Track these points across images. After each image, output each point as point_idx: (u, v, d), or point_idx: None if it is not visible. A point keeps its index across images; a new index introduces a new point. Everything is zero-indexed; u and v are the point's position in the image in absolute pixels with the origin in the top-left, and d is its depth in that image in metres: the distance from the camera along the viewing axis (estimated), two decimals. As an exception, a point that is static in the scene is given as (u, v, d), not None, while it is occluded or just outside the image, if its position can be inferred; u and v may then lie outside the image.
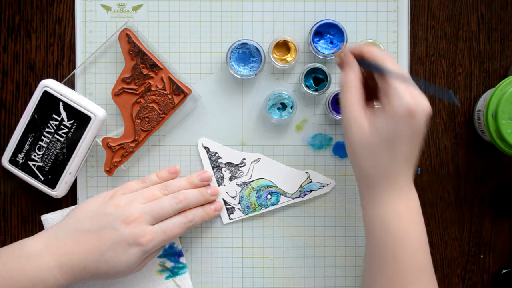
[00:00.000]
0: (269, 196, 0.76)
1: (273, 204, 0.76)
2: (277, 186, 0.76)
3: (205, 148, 0.76)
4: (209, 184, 0.76)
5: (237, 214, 0.77)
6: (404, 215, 0.64)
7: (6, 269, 0.67)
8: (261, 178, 0.77)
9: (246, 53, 0.75)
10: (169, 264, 0.76)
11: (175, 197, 0.71)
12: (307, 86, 0.75)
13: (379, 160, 0.63)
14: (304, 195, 0.76)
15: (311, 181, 0.77)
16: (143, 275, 0.76)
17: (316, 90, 0.75)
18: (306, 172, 0.77)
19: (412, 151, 0.63)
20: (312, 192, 0.77)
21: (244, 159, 0.76)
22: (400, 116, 0.61)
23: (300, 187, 0.76)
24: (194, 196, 0.73)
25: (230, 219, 0.77)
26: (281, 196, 0.76)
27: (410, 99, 0.61)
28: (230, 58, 0.74)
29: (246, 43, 0.74)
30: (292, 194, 0.76)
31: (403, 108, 0.61)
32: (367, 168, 0.64)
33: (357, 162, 0.65)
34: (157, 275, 0.76)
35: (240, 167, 0.76)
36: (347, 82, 0.65)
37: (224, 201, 0.76)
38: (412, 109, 0.61)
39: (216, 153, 0.76)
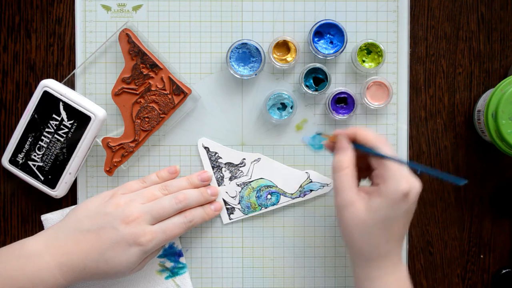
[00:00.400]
0: (269, 196, 0.76)
1: (273, 204, 0.76)
2: (277, 186, 0.76)
3: (205, 148, 0.76)
4: (209, 184, 0.76)
5: (237, 214, 0.77)
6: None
7: (6, 269, 0.67)
8: (261, 178, 0.77)
9: (246, 53, 0.75)
10: (169, 264, 0.76)
11: (175, 197, 0.71)
12: (307, 86, 0.75)
13: (375, 240, 0.65)
14: (304, 195, 0.76)
15: (311, 181, 0.77)
16: (143, 275, 0.76)
17: (316, 90, 0.75)
18: (306, 172, 0.77)
19: (405, 229, 0.66)
20: (312, 192, 0.77)
21: (244, 159, 0.76)
22: (396, 199, 0.63)
23: (300, 187, 0.77)
24: (194, 196, 0.73)
25: (230, 219, 0.77)
26: (281, 196, 0.76)
27: (406, 184, 0.63)
28: (230, 58, 0.74)
29: (246, 43, 0.74)
30: (292, 194, 0.76)
31: (399, 192, 0.63)
32: (362, 247, 0.65)
33: (352, 242, 0.66)
34: (157, 275, 0.76)
35: (240, 167, 0.76)
36: (342, 166, 0.66)
37: (224, 201, 0.76)
38: (407, 192, 0.63)
39: (216, 153, 0.76)
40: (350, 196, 0.65)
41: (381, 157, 0.64)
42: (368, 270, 0.66)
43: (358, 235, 0.65)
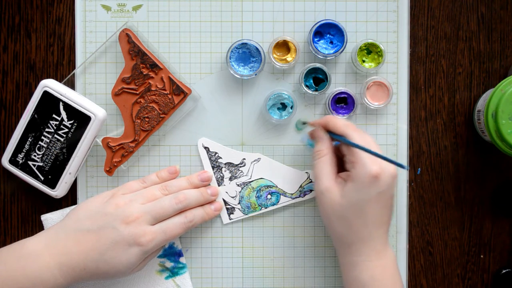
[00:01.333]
0: (269, 196, 0.76)
1: (273, 204, 0.76)
2: (277, 186, 0.76)
3: (205, 148, 0.76)
4: (209, 184, 0.76)
5: (237, 214, 0.77)
6: (380, 276, 0.67)
7: (6, 269, 0.67)
8: (261, 178, 0.77)
9: (246, 53, 0.75)
10: (169, 264, 0.76)
11: (175, 197, 0.71)
12: (307, 86, 0.75)
13: (352, 225, 0.67)
14: (304, 195, 0.76)
15: (311, 181, 0.76)
16: (143, 275, 0.76)
17: (316, 90, 0.75)
18: (306, 172, 0.77)
19: (382, 213, 0.67)
20: (312, 192, 0.76)
21: (244, 159, 0.76)
22: (365, 182, 0.66)
23: (300, 187, 0.76)
24: (194, 196, 0.73)
25: (230, 219, 0.77)
26: (281, 196, 0.76)
27: (375, 166, 0.66)
28: (230, 58, 0.74)
29: (246, 43, 0.74)
30: (292, 194, 0.76)
31: (367, 175, 0.65)
32: (342, 232, 0.68)
33: (332, 228, 0.69)
34: (157, 275, 0.76)
35: (240, 167, 0.76)
36: (319, 154, 0.70)
37: (224, 201, 0.76)
38: (376, 172, 0.66)
39: (216, 153, 0.76)
40: (327, 182, 0.68)
41: (349, 144, 0.67)
42: (350, 256, 0.68)
43: (336, 219, 0.67)
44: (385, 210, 0.68)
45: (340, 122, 0.70)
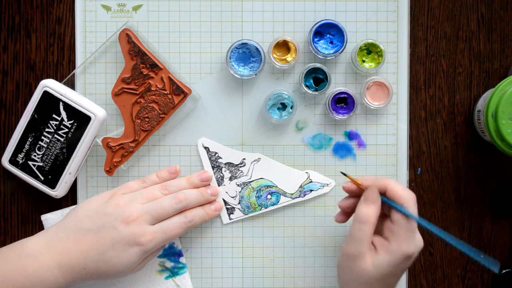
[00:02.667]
0: (269, 196, 0.76)
1: (273, 204, 0.76)
2: (277, 186, 0.76)
3: (205, 148, 0.76)
4: (209, 184, 0.76)
5: (237, 214, 0.77)
6: None
7: (6, 269, 0.67)
8: (261, 178, 0.77)
9: (246, 53, 0.75)
10: (169, 264, 0.76)
11: (175, 197, 0.71)
12: (307, 86, 0.75)
13: None
14: (304, 195, 0.76)
15: (311, 181, 0.76)
16: (143, 275, 0.76)
17: (316, 90, 0.75)
18: (306, 172, 0.77)
19: (398, 280, 0.68)
20: (312, 192, 0.76)
21: (244, 159, 0.76)
22: (401, 260, 0.64)
23: (300, 187, 0.76)
24: (194, 196, 0.73)
25: (230, 219, 0.77)
26: (281, 196, 0.76)
27: (414, 247, 0.65)
28: (230, 58, 0.74)
29: (246, 43, 0.74)
30: (292, 194, 0.76)
31: (405, 254, 0.64)
32: None
33: None
34: (157, 275, 0.76)
35: (240, 167, 0.76)
36: (368, 219, 0.65)
37: (224, 201, 0.76)
38: (413, 252, 0.65)
39: (216, 153, 0.76)
40: (364, 249, 0.65)
41: (407, 216, 0.64)
42: None
43: (358, 285, 0.66)
44: (398, 281, 0.68)
45: (402, 192, 0.65)
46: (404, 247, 0.64)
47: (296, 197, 0.77)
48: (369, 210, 0.65)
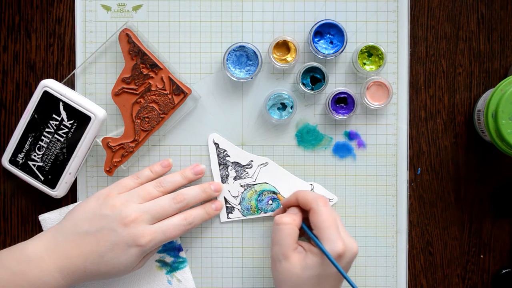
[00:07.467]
0: (270, 202, 0.76)
1: (273, 210, 0.76)
2: (279, 194, 0.76)
3: (215, 144, 0.76)
4: (211, 181, 0.76)
5: (236, 215, 0.76)
6: None
7: (7, 273, 0.67)
8: (265, 183, 0.76)
9: (243, 56, 0.75)
10: (169, 259, 0.76)
11: (174, 198, 0.71)
12: (303, 84, 0.75)
13: None
14: None
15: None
16: (144, 271, 0.76)
17: (312, 89, 0.75)
18: (311, 184, 0.76)
19: (336, 286, 0.67)
20: None
21: (251, 161, 0.76)
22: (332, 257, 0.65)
23: None
24: (193, 195, 0.73)
25: (228, 218, 0.77)
26: None
27: (341, 245, 0.65)
28: (227, 60, 0.74)
29: (244, 46, 0.74)
30: None
31: (333, 253, 0.65)
32: None
33: None
34: (157, 270, 0.76)
35: (247, 168, 0.76)
36: (288, 224, 0.68)
37: (225, 199, 0.76)
38: (342, 250, 0.65)
39: (225, 150, 0.76)
40: (288, 251, 0.66)
41: (320, 249, 0.66)
42: None
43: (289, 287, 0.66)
44: (339, 283, 0.68)
45: (310, 195, 0.69)
46: (328, 246, 0.65)
47: (296, 203, 0.76)
48: (285, 219, 0.68)
